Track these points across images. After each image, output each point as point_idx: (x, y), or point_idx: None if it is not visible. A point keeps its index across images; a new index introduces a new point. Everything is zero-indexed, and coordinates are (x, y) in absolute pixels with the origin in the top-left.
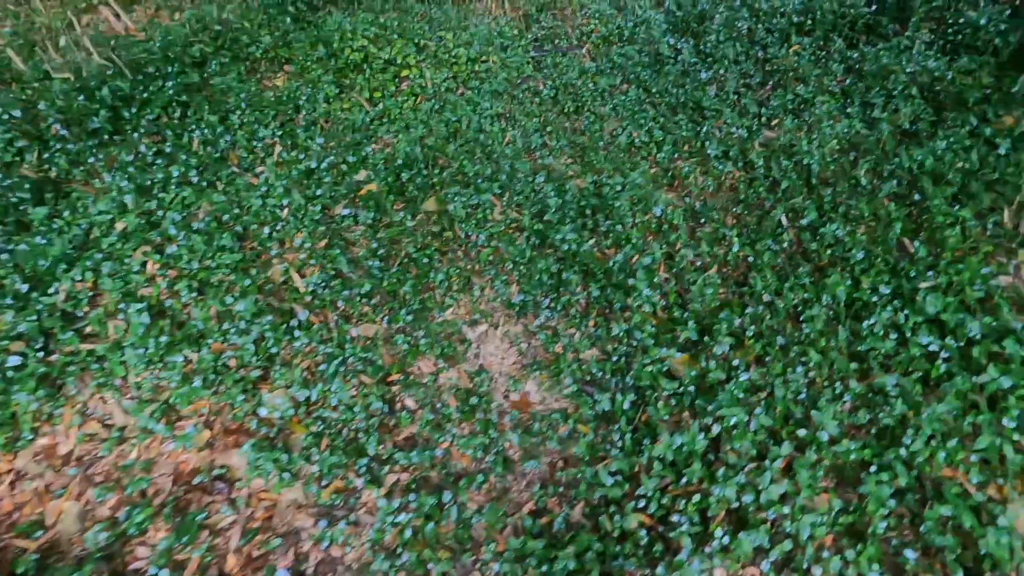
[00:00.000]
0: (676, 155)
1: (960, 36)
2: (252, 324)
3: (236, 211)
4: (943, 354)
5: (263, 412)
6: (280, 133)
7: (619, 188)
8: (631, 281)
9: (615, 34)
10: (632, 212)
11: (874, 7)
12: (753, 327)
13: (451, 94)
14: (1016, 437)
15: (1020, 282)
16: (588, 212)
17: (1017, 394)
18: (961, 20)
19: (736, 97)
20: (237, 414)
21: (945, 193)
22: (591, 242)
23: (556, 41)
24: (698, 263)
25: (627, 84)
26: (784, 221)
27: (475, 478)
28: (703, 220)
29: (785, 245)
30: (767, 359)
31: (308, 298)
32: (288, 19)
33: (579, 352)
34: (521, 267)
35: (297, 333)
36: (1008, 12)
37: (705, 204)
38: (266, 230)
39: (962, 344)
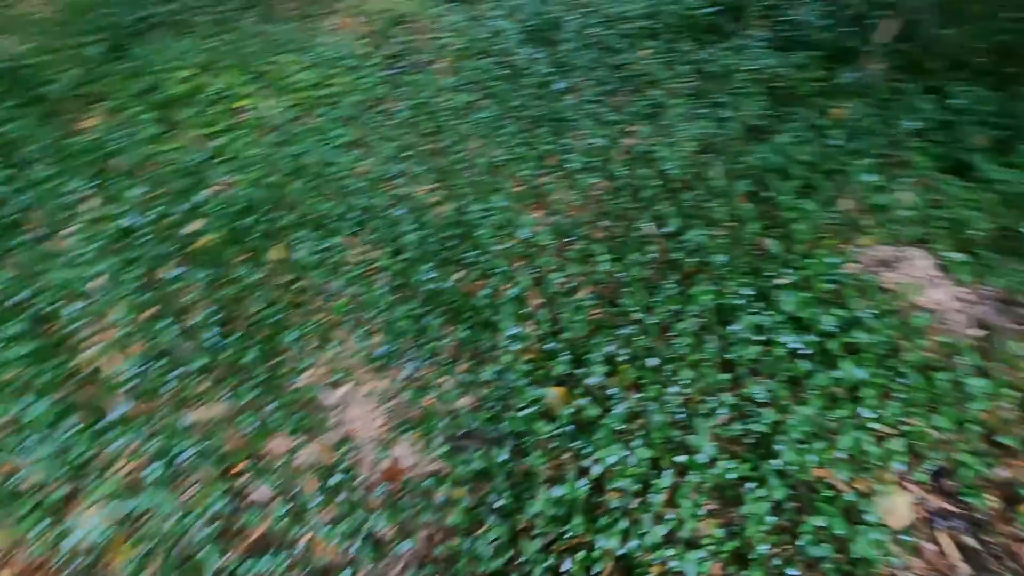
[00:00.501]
0: (541, 171)
1: (790, 33)
2: (54, 429)
3: (33, 288)
4: (804, 352)
5: (73, 540)
6: (92, 185)
7: (482, 213)
8: (498, 316)
9: (471, 47)
10: (497, 238)
11: (714, 8)
12: (627, 349)
13: (296, 124)
14: (875, 426)
15: (864, 268)
16: (452, 243)
17: (873, 383)
18: (789, 18)
19: (594, 105)
20: (39, 547)
21: (791, 187)
22: (457, 276)
23: (412, 57)
24: (569, 285)
25: (486, 99)
26: (650, 230)
27: (342, 573)
28: (571, 238)
29: (653, 256)
30: (643, 382)
31: (128, 386)
32: (99, 49)
33: (450, 403)
34: (382, 314)
35: (113, 432)
36: (828, 9)
37: (572, 221)
38: (73, 307)
39: (820, 339)
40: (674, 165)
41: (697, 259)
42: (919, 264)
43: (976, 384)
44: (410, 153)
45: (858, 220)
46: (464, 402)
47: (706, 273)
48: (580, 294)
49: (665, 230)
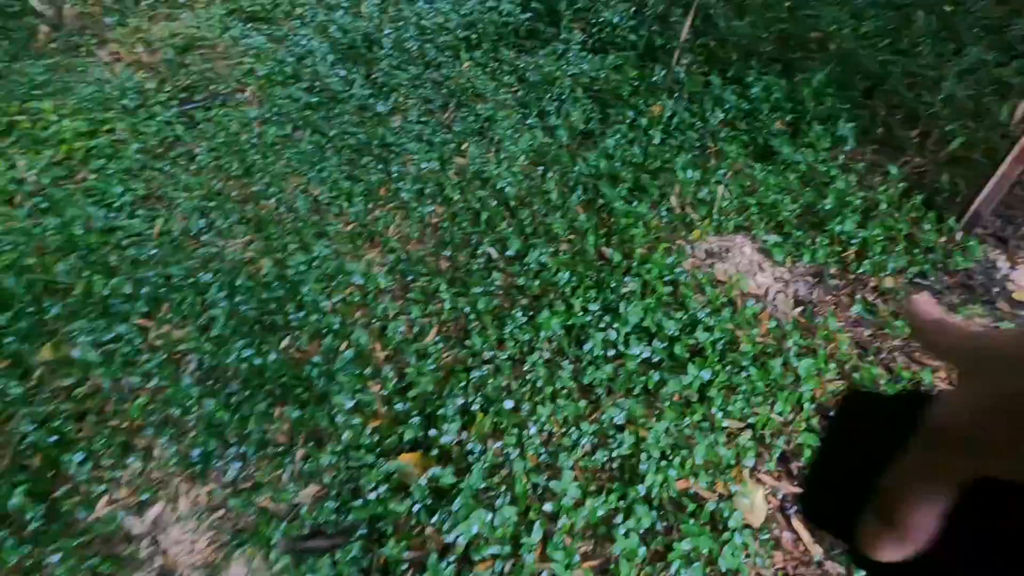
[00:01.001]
0: (371, 205)
1: (603, 35)
2: None
3: None
4: (655, 360)
5: None
6: None
7: (307, 265)
8: (335, 385)
9: (278, 72)
10: (327, 291)
11: (530, 14)
12: (481, 395)
13: (62, 186)
14: (726, 424)
15: (698, 262)
16: (273, 307)
17: (718, 382)
18: (601, 20)
19: (422, 126)
20: None
21: (622, 191)
22: (283, 345)
23: (210, 89)
24: (414, 331)
25: (301, 130)
26: (493, 255)
27: None
28: (411, 277)
29: (499, 283)
30: (501, 427)
31: None
32: None
33: (289, 500)
34: (193, 408)
35: None
36: (634, 10)
37: (412, 256)
38: None
39: (667, 345)
40: (509, 182)
41: (542, 280)
42: (745, 251)
43: (804, 364)
44: (216, 203)
45: (686, 216)
46: (305, 495)
47: (553, 294)
48: (427, 339)
49: (508, 253)
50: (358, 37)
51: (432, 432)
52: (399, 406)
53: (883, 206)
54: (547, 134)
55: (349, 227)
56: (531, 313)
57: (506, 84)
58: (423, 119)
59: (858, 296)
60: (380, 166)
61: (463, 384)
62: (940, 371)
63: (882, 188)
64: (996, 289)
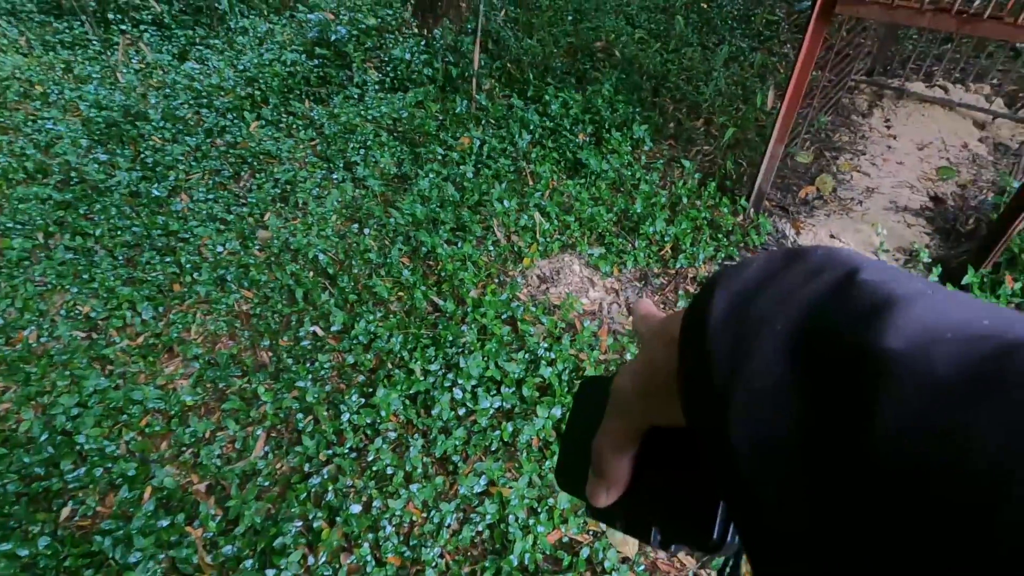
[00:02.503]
0: (162, 309)
1: (399, 72)
2: None
3: None
4: (506, 407)
5: None
6: None
7: (79, 406)
8: (129, 558)
9: (17, 167)
10: (113, 429)
11: (317, 60)
12: (323, 505)
13: None
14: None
15: (533, 291)
16: (40, 471)
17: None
18: (393, 58)
19: (211, 203)
20: None
21: (444, 235)
22: (65, 515)
23: None
24: (236, 448)
25: (56, 236)
26: (319, 333)
27: None
28: (224, 384)
29: (329, 365)
30: (352, 535)
31: None
32: None
33: None
34: None
35: None
36: (423, 43)
37: (222, 357)
38: None
39: (514, 389)
40: (323, 248)
41: (375, 351)
42: (575, 269)
43: None
44: None
45: (514, 246)
46: None
47: (390, 363)
48: (253, 455)
49: (334, 328)
50: (117, 113)
51: (271, 571)
52: (227, 549)
53: (684, 200)
54: (357, 186)
55: (138, 341)
56: (369, 391)
57: (303, 139)
58: (213, 195)
59: (680, 291)
60: (167, 259)
61: (302, 497)
62: None
63: (680, 183)
64: None
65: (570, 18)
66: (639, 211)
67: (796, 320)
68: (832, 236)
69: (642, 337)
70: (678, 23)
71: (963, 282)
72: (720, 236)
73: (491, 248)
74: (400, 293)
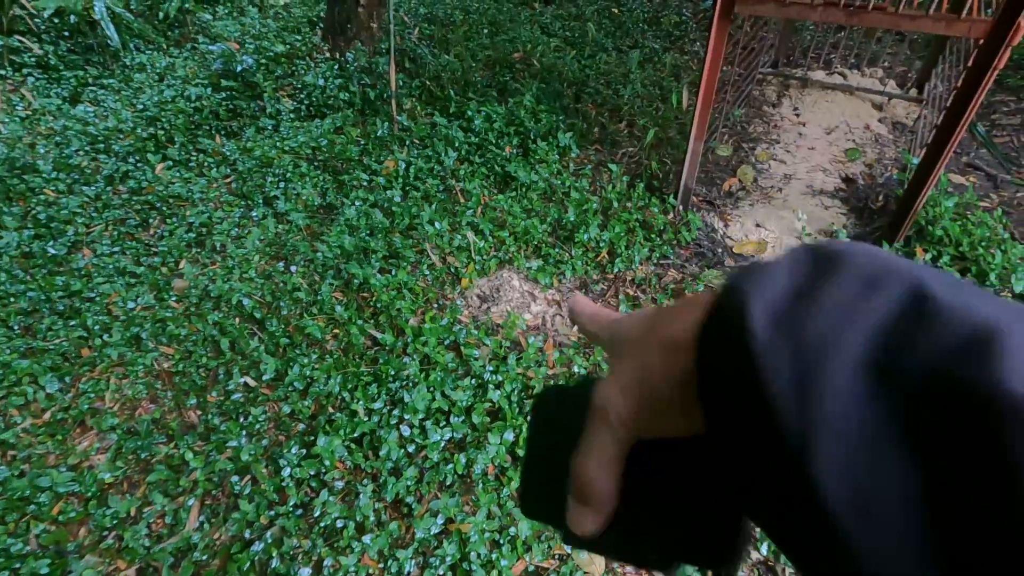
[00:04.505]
0: (70, 378)
1: (314, 99)
2: None
3: None
4: (458, 437)
5: None
6: None
7: None
8: None
9: None
10: (19, 525)
11: (224, 93)
12: (267, 574)
13: None
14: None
15: (474, 312)
16: None
17: (523, 440)
18: (306, 84)
19: (118, 255)
20: None
21: (377, 263)
22: None
23: None
24: (167, 523)
25: None
26: (250, 383)
27: None
28: (147, 454)
29: (264, 418)
30: None
31: None
32: None
33: None
34: None
35: None
36: (336, 67)
37: (143, 423)
38: None
39: (464, 417)
40: (246, 292)
41: (313, 396)
42: (515, 284)
43: None
44: None
45: (450, 267)
46: None
47: (330, 406)
48: (187, 528)
49: (267, 377)
50: (1, 167)
51: None
52: None
53: (615, 204)
54: (280, 222)
55: (44, 418)
56: (310, 439)
57: (217, 177)
58: (119, 247)
59: (621, 295)
60: (72, 323)
61: (245, 567)
62: None
63: (610, 188)
64: (720, 249)
65: (486, 31)
66: (572, 219)
67: (868, 349)
68: (758, 225)
69: (614, 341)
70: (590, 30)
71: None
72: (653, 236)
73: (427, 272)
74: (335, 330)
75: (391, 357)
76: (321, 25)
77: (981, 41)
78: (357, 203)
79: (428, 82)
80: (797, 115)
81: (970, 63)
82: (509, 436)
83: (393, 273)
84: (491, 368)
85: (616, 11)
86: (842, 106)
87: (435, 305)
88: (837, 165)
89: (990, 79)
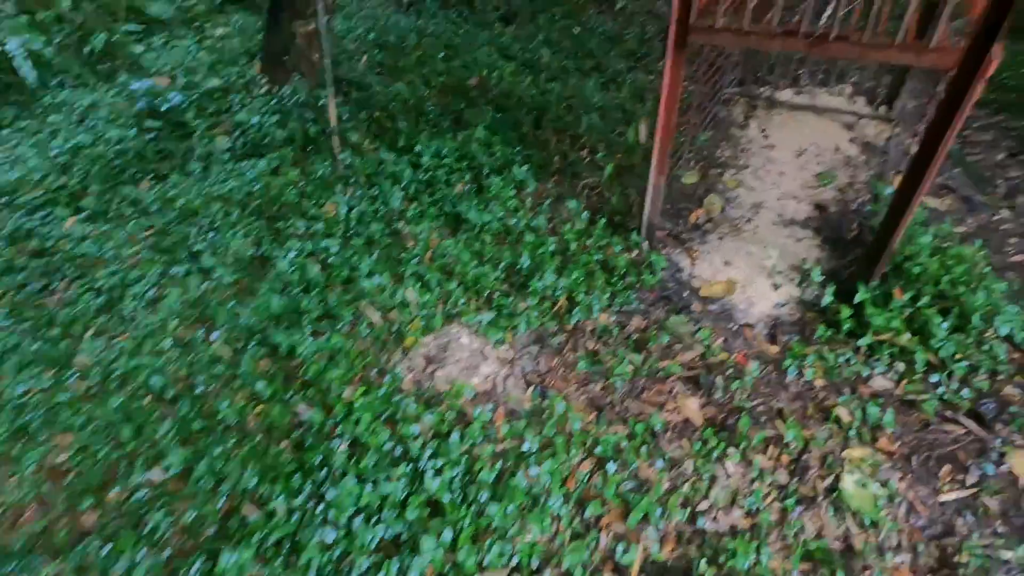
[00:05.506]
0: None
1: (250, 137)
2: None
3: None
4: (385, 536)
5: None
6: None
7: None
8: None
9: None
10: None
11: (151, 134)
12: None
13: None
14: None
15: (417, 375)
16: None
17: (465, 537)
18: (241, 122)
19: (12, 327)
20: None
21: (306, 327)
22: None
23: None
24: None
25: None
26: (155, 479)
27: None
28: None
29: (164, 525)
30: None
31: None
32: None
33: None
34: None
35: None
36: (274, 101)
37: (21, 542)
38: None
39: (399, 511)
40: (157, 367)
41: (223, 495)
42: (463, 342)
43: (545, 468)
44: None
45: (392, 325)
46: None
47: (244, 507)
48: None
49: (173, 471)
50: None
51: None
52: None
53: (573, 245)
54: (204, 278)
55: None
56: (221, 545)
57: (136, 230)
58: (13, 319)
59: (580, 351)
60: None
61: None
62: (664, 412)
63: (568, 227)
64: (686, 292)
65: (442, 55)
66: (527, 265)
67: None
68: (727, 263)
69: None
70: (544, 54)
71: (856, 300)
72: (615, 280)
73: (366, 333)
74: (258, 409)
75: (318, 440)
76: (259, 56)
77: (951, 73)
78: (291, 254)
79: (378, 113)
80: (766, 137)
81: (941, 90)
82: (448, 535)
83: (327, 337)
84: (432, 448)
85: (577, 31)
86: (811, 126)
87: (374, 371)
88: (808, 191)
89: (963, 115)
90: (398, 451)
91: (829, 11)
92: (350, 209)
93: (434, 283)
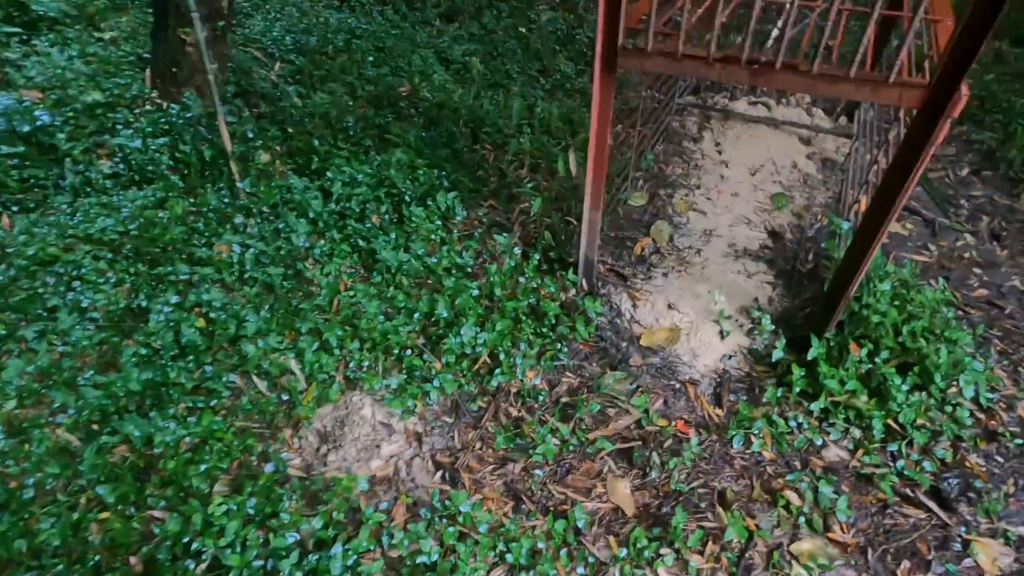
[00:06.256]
0: None
1: (134, 162)
2: None
3: None
4: None
5: None
6: None
7: None
8: None
9: None
10: None
11: (14, 160)
12: None
13: None
14: None
15: (307, 458)
16: None
17: None
18: (121, 146)
19: None
20: None
21: (172, 408)
22: None
23: None
24: None
25: None
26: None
27: None
28: None
29: None
30: None
31: None
32: None
33: None
34: None
35: None
36: (161, 119)
37: None
38: None
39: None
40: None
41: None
42: (365, 414)
43: None
44: None
45: (282, 394)
46: None
47: None
48: None
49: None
50: None
51: None
52: None
53: (498, 291)
54: (62, 341)
55: None
56: None
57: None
58: None
59: (501, 421)
60: None
61: None
62: (587, 503)
63: (493, 268)
64: (625, 342)
65: (371, 59)
66: (445, 316)
67: None
68: (670, 306)
69: None
70: (473, 65)
71: (809, 356)
72: (544, 330)
73: (248, 407)
74: (101, 518)
75: (170, 558)
76: (149, 67)
77: (915, 111)
78: (166, 309)
79: (290, 129)
80: (720, 152)
81: (902, 133)
82: None
83: (195, 421)
84: (308, 567)
85: (524, 30)
86: (768, 140)
87: (254, 456)
88: (763, 215)
89: (924, 162)
90: (270, 566)
91: (774, 35)
92: (245, 249)
93: (334, 342)
